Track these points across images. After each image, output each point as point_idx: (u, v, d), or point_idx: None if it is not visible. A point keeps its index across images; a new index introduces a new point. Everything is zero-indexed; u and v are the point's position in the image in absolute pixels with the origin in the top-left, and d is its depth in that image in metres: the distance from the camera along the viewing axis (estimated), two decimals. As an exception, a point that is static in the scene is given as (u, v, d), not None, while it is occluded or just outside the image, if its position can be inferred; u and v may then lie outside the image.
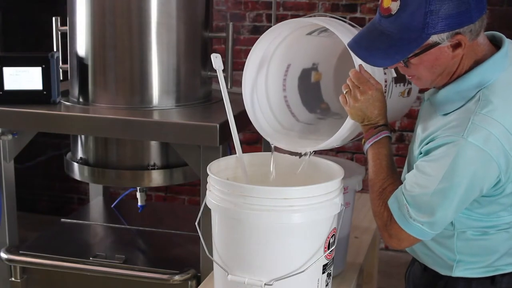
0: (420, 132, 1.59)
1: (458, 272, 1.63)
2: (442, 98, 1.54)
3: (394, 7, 1.45)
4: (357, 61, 1.65)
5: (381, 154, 1.65)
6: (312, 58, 2.06)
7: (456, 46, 1.46)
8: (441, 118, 1.53)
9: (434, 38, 1.44)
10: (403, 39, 1.45)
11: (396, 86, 1.84)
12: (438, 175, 1.46)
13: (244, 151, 1.81)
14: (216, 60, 1.72)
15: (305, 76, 2.06)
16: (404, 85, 1.91)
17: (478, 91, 1.49)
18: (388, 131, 1.67)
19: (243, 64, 1.97)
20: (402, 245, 1.59)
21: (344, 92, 1.67)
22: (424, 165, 1.50)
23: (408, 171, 1.61)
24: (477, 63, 1.51)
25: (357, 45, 1.54)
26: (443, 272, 1.65)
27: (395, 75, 1.75)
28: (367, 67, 1.66)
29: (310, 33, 1.96)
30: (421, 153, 1.55)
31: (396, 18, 1.45)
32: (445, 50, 1.47)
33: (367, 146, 1.67)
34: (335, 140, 1.77)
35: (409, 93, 1.96)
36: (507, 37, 1.59)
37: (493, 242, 1.60)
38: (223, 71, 1.82)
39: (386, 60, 1.51)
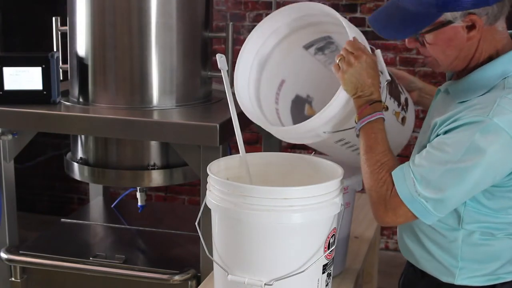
0: (435, 120, 1.54)
1: (461, 280, 1.59)
2: (463, 86, 1.52)
3: None
4: (352, 33, 1.64)
5: (375, 128, 1.58)
6: (307, 88, 2.02)
7: (471, 27, 1.45)
8: (460, 105, 1.50)
9: (447, 16, 1.43)
10: (416, 14, 1.45)
11: (390, 99, 1.78)
12: (456, 152, 1.42)
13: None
14: (221, 60, 1.72)
15: (298, 101, 2.03)
16: (398, 105, 1.84)
17: (502, 80, 1.47)
18: (382, 111, 1.61)
19: (243, 64, 1.96)
20: (397, 221, 1.52)
21: (338, 60, 1.62)
22: (441, 142, 1.46)
23: None
24: (498, 52, 1.50)
25: (374, 19, 1.55)
26: (444, 279, 1.61)
27: (389, 78, 1.72)
28: None
29: (307, 47, 1.93)
30: (437, 135, 1.50)
31: None
32: (459, 31, 1.46)
33: (359, 125, 1.60)
34: (325, 117, 1.68)
35: (403, 120, 1.88)
36: None
37: (498, 248, 1.57)
38: (223, 71, 1.82)
39: (398, 33, 1.52)
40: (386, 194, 1.51)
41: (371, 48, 1.70)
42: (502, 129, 1.39)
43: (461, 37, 1.47)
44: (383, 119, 1.61)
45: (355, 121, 1.63)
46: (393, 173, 1.51)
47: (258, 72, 1.93)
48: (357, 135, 1.63)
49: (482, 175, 1.43)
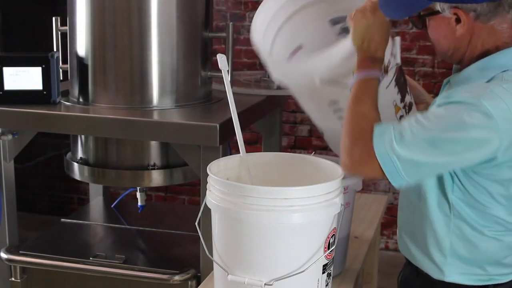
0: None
1: (451, 277, 1.61)
2: (463, 76, 1.55)
3: None
4: None
5: (369, 84, 1.58)
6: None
7: (458, 21, 1.49)
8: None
9: (436, 5, 1.49)
10: None
11: (395, 87, 1.77)
12: (440, 123, 1.43)
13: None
14: (222, 60, 1.72)
15: None
16: (401, 101, 1.81)
17: (502, 72, 1.49)
18: (382, 74, 1.63)
19: (243, 64, 1.96)
20: (361, 169, 1.51)
21: (355, 11, 1.64)
22: (430, 112, 1.47)
23: None
24: (498, 48, 1.52)
25: None
26: (436, 276, 1.64)
27: (399, 62, 1.74)
28: None
29: (333, 22, 1.91)
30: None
31: None
32: (448, 22, 1.51)
33: (355, 77, 1.59)
34: (325, 60, 1.65)
35: (400, 119, 1.82)
36: None
37: (485, 247, 1.58)
38: (223, 71, 1.82)
39: (395, 13, 1.56)
40: (361, 144, 1.49)
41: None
42: (489, 113, 1.40)
43: (450, 29, 1.52)
44: (379, 80, 1.61)
45: (353, 74, 1.63)
46: (375, 125, 1.49)
47: (279, 25, 1.90)
48: (349, 87, 1.62)
49: (458, 151, 1.43)
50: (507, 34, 1.52)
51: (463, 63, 1.58)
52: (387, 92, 1.73)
